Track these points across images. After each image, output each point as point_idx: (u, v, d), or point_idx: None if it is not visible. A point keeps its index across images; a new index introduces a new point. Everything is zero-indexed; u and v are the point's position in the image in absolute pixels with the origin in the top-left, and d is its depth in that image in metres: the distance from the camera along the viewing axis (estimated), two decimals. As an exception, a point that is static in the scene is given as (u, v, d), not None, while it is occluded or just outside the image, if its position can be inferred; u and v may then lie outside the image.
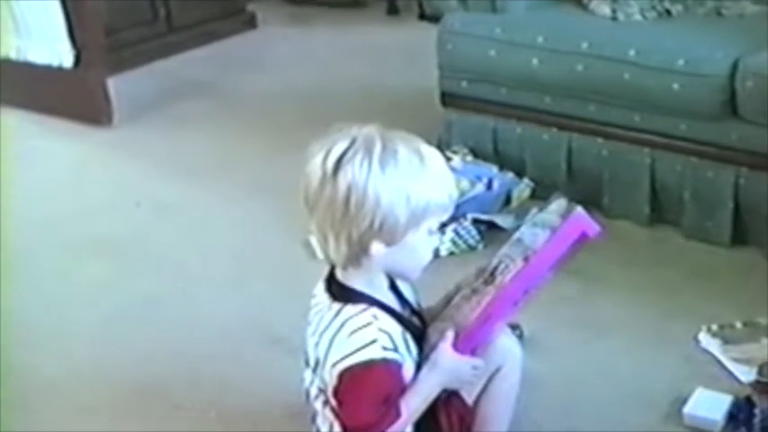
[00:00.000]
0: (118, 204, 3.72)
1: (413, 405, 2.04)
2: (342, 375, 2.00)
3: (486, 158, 3.63)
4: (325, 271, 2.12)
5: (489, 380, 2.16)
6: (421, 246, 2.03)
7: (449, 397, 2.14)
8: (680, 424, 2.46)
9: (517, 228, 2.26)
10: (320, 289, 2.11)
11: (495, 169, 3.57)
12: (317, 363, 2.07)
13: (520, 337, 2.69)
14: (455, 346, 2.07)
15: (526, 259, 2.08)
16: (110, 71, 4.46)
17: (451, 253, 3.24)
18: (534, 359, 2.59)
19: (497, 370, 2.16)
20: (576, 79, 3.37)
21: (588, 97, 3.40)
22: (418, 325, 2.15)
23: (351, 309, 2.02)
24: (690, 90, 3.16)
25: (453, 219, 3.26)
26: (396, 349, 2.02)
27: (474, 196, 3.40)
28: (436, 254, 3.16)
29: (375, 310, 2.02)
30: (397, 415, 2.01)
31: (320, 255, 2.12)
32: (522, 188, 3.53)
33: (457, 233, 3.25)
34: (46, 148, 4.20)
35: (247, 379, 2.69)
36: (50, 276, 3.26)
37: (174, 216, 3.62)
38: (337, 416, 2.06)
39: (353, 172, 1.93)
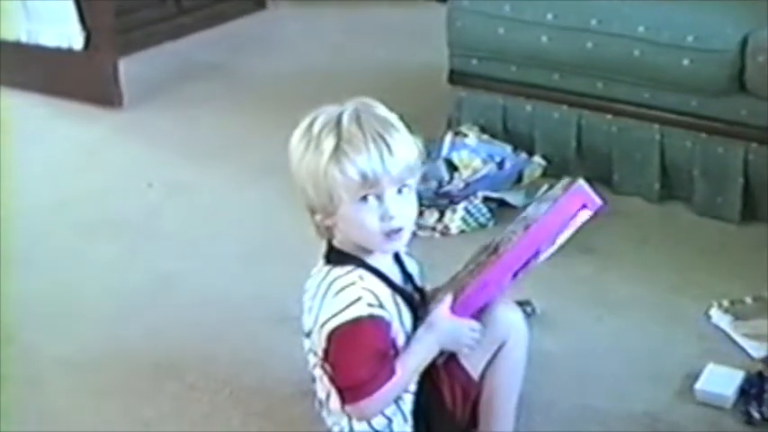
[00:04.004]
0: (129, 186, 3.72)
1: (409, 364, 2.05)
2: (331, 335, 2.01)
3: (495, 136, 3.62)
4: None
5: (494, 355, 2.15)
6: (358, 216, 2.00)
7: (451, 366, 2.13)
8: (692, 400, 2.46)
9: (527, 205, 2.27)
10: (321, 258, 2.13)
11: (508, 149, 3.57)
12: (311, 328, 2.09)
13: (532, 313, 2.70)
14: (452, 309, 2.08)
15: (526, 228, 2.09)
16: (120, 53, 4.45)
17: (462, 231, 3.25)
18: (546, 336, 2.61)
19: (502, 344, 2.15)
20: (586, 56, 3.36)
21: (598, 74, 3.39)
22: (416, 298, 2.15)
23: (338, 270, 2.05)
24: (699, 66, 3.16)
25: (464, 197, 3.27)
26: (381, 306, 2.02)
27: (485, 175, 3.41)
28: (446, 231, 3.21)
29: (362, 272, 2.04)
30: (392, 372, 2.01)
31: (331, 234, 2.13)
32: (534, 167, 3.53)
33: (467, 211, 3.26)
34: (56, 131, 4.20)
35: (260, 357, 2.70)
36: (62, 258, 3.27)
37: (186, 197, 3.63)
38: (332, 381, 2.07)
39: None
